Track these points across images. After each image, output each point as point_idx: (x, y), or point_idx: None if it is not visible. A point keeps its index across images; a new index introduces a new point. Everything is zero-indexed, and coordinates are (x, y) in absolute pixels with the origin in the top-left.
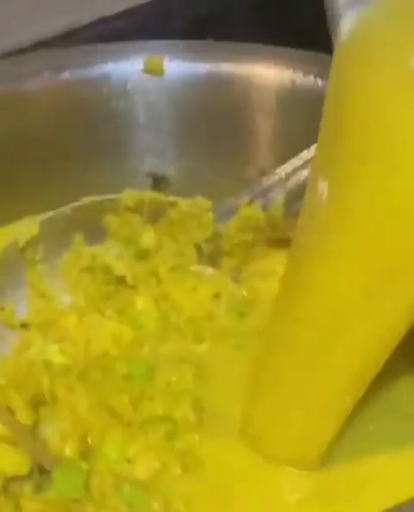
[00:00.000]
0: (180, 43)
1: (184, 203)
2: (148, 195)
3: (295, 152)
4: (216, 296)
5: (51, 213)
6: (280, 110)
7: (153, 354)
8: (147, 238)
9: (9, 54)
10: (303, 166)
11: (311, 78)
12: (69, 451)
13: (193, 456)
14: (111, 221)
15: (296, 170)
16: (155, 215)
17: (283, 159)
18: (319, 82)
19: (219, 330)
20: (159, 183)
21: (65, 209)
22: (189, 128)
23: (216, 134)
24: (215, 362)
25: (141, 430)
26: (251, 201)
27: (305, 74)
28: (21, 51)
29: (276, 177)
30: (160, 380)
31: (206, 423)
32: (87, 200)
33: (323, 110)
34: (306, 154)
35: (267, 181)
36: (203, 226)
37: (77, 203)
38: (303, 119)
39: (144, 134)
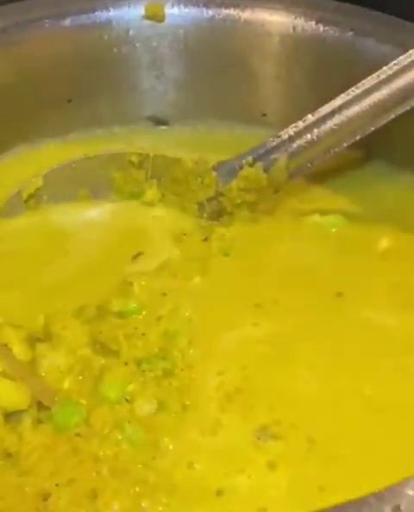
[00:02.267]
0: None
1: (188, 161)
2: (153, 152)
3: (296, 96)
4: (206, 239)
5: (55, 166)
6: (282, 55)
7: (144, 291)
8: (151, 194)
9: None
10: (305, 130)
11: (313, 23)
12: (67, 385)
13: (191, 394)
14: (116, 176)
15: (299, 133)
16: (159, 172)
17: (284, 103)
18: (321, 27)
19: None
20: (160, 125)
21: (70, 162)
22: (190, 72)
23: (217, 79)
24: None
25: (139, 369)
26: (253, 162)
27: (307, 20)
28: None
29: (279, 140)
30: (150, 315)
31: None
32: (91, 154)
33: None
34: (310, 118)
35: (270, 143)
36: (206, 185)
37: (81, 157)
38: (304, 64)
39: (146, 79)
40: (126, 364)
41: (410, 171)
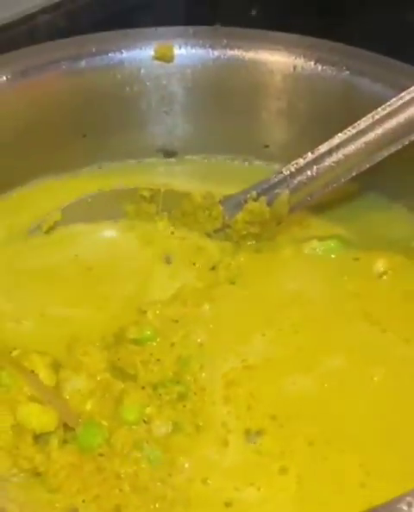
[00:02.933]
0: (189, 29)
1: (196, 196)
2: (163, 186)
3: (296, 129)
4: (213, 268)
5: (73, 200)
6: (283, 93)
7: (158, 319)
8: (162, 226)
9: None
10: (305, 166)
11: (311, 63)
12: (89, 407)
13: (203, 415)
14: (129, 209)
15: (299, 169)
16: (169, 205)
17: (285, 136)
18: (319, 67)
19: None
20: (169, 157)
21: (86, 196)
22: (197, 108)
23: (223, 114)
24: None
25: (155, 392)
26: (257, 196)
27: (306, 60)
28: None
29: (281, 176)
30: (164, 341)
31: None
32: (106, 188)
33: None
34: (310, 155)
35: (273, 179)
36: (214, 217)
37: (96, 192)
38: (304, 100)
39: (156, 115)
40: (143, 388)
41: (401, 202)
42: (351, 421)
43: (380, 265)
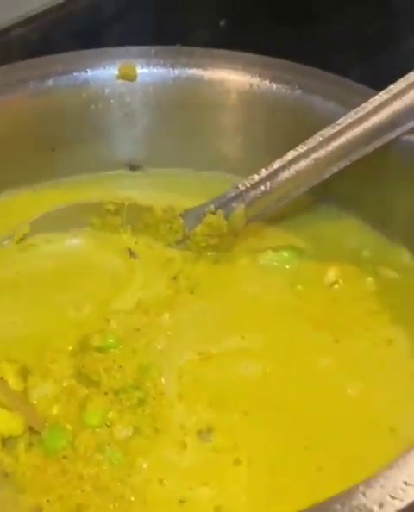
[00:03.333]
0: (151, 49)
1: (158, 209)
2: (128, 201)
3: (253, 144)
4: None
5: (41, 214)
6: (240, 109)
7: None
8: (126, 237)
9: None
10: (260, 182)
11: (267, 82)
12: (55, 411)
13: (162, 419)
14: (95, 222)
15: (254, 185)
16: (133, 218)
17: (243, 151)
18: (274, 85)
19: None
20: (134, 170)
21: (55, 210)
22: (160, 124)
23: (184, 130)
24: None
25: (117, 398)
26: (215, 210)
27: (262, 78)
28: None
29: (237, 190)
30: (127, 348)
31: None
32: (73, 202)
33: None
34: (264, 171)
35: (229, 193)
36: (174, 230)
37: (64, 205)
38: (260, 116)
39: (121, 131)
40: (106, 393)
41: (352, 213)
42: (295, 403)
43: (332, 274)
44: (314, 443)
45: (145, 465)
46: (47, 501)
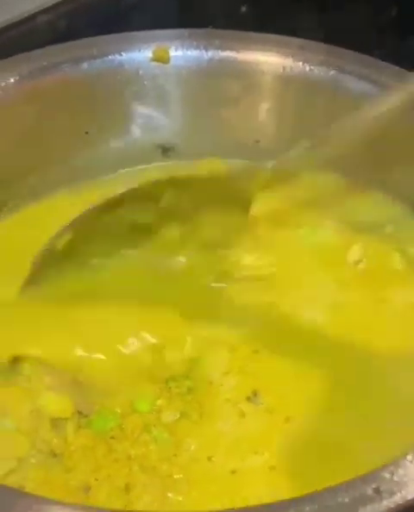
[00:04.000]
0: (184, 32)
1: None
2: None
3: (285, 126)
4: None
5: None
6: (273, 91)
7: None
8: None
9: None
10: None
11: (300, 63)
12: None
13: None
14: None
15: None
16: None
17: (275, 132)
18: (307, 67)
19: None
20: (167, 152)
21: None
22: (193, 106)
23: (216, 112)
24: None
25: (166, 386)
26: None
27: (295, 60)
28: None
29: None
30: None
31: None
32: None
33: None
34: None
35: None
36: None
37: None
38: (293, 98)
39: (154, 113)
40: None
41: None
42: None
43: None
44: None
45: (192, 446)
46: (96, 480)
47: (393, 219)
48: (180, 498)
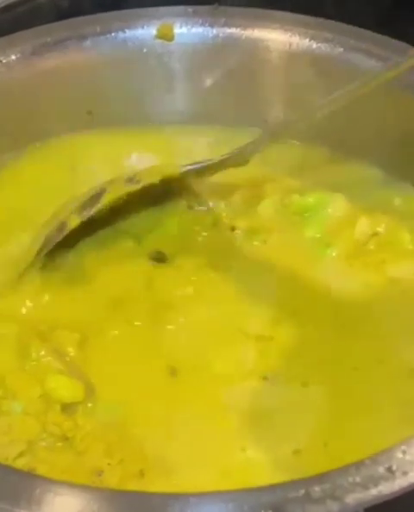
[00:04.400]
0: (189, 9)
1: None
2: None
3: (292, 104)
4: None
5: None
6: (279, 69)
7: None
8: None
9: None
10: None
11: (306, 40)
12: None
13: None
14: None
15: None
16: None
17: (282, 110)
18: (313, 44)
19: None
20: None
21: None
22: (197, 84)
23: (222, 90)
24: None
25: None
26: None
27: (301, 37)
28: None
29: None
30: None
31: None
32: None
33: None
34: None
35: None
36: None
37: None
38: (299, 76)
39: (158, 91)
40: None
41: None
42: None
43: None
44: None
45: None
46: (108, 464)
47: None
48: None
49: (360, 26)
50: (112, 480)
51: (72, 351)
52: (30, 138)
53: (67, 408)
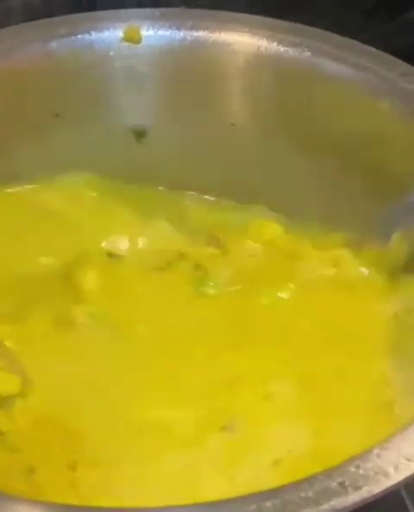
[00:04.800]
0: (156, 11)
1: None
2: None
3: (260, 107)
4: None
5: None
6: (247, 73)
7: None
8: None
9: None
10: None
11: (274, 44)
12: None
13: None
14: None
15: None
16: None
17: (250, 114)
18: (281, 48)
19: None
20: (140, 136)
21: None
22: (165, 87)
23: (189, 93)
24: None
25: None
26: None
27: (269, 41)
28: None
29: None
30: None
31: None
32: None
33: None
34: None
35: None
36: None
37: None
38: (267, 80)
39: (126, 95)
40: None
41: None
42: None
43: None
44: None
45: None
46: (41, 460)
47: None
48: None
49: (341, 32)
50: (43, 477)
51: (8, 343)
52: None
53: (4, 402)
